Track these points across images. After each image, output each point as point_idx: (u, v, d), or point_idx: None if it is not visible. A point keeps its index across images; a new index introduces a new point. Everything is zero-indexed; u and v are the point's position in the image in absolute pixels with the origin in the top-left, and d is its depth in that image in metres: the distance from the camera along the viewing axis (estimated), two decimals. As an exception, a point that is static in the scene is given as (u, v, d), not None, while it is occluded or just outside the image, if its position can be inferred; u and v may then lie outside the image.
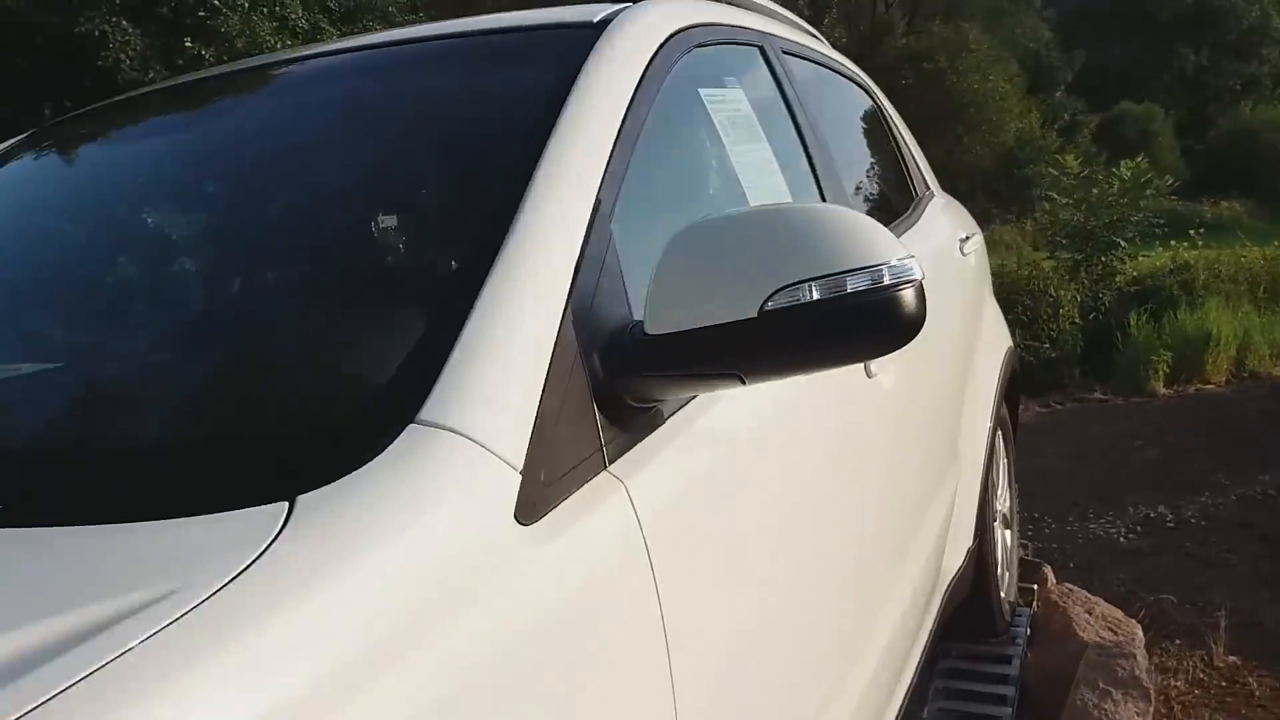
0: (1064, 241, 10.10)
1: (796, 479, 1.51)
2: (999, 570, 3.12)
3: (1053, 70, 29.11)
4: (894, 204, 2.59)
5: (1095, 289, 9.70)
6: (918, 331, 1.11)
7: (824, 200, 1.97)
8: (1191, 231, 10.49)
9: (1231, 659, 3.65)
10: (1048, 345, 9.38)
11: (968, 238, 2.81)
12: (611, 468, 1.07)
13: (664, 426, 1.18)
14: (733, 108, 1.73)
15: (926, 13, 24.13)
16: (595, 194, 1.22)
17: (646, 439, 1.14)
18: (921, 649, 2.27)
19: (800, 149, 1.99)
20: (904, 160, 2.81)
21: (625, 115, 1.35)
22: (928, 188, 2.94)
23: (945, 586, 2.57)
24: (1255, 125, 31.36)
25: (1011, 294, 10.22)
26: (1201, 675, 3.57)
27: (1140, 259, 10.24)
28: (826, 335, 1.08)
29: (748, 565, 1.30)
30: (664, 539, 1.08)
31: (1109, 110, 31.16)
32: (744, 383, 1.13)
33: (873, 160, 2.69)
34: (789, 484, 1.49)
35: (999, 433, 3.24)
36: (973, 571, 2.81)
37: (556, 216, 1.14)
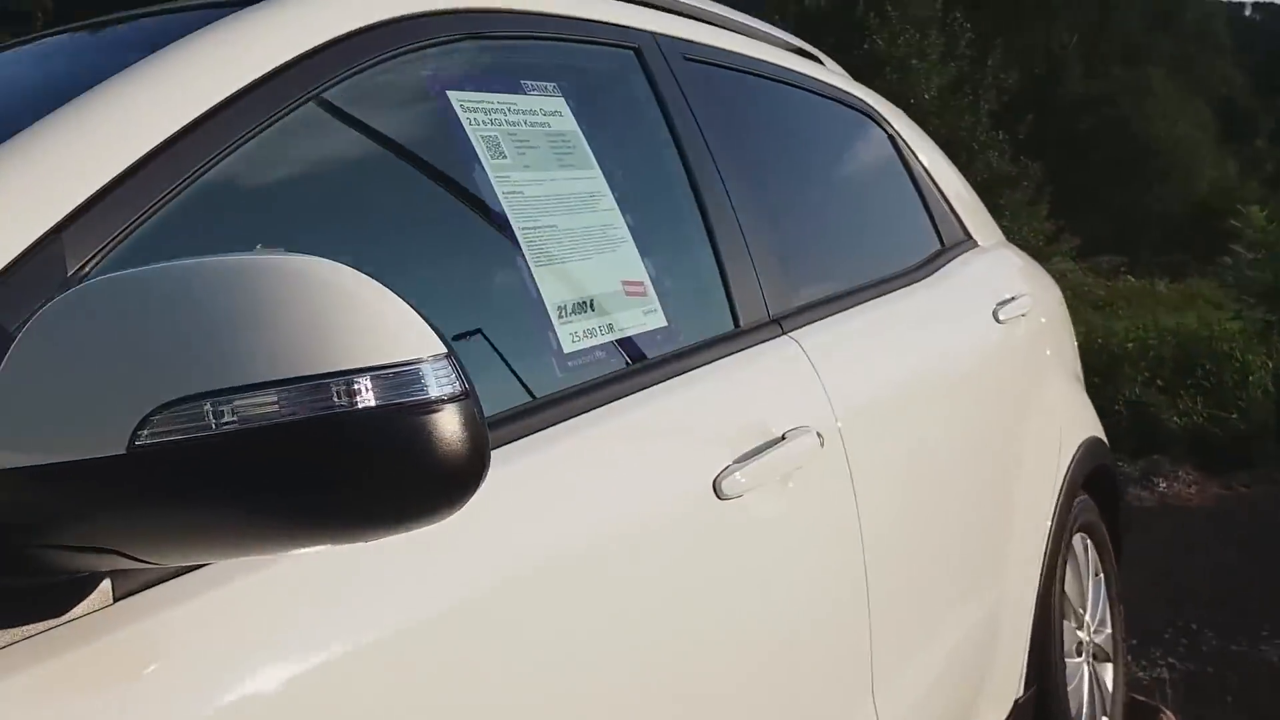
0: (1252, 301, 8.93)
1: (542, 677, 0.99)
2: (1082, 721, 2.40)
3: (1250, 117, 26.81)
4: (886, 256, 1.99)
5: (1290, 355, 8.50)
6: (470, 489, 0.58)
7: (717, 254, 1.44)
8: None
9: None
10: (1235, 416, 8.24)
11: (1011, 299, 2.16)
12: None
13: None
14: (528, 121, 1.23)
15: (1105, 56, 22.72)
16: (50, 226, 0.76)
17: None
18: None
19: (684, 183, 1.46)
20: (926, 202, 2.21)
21: (214, 111, 0.90)
22: (967, 236, 2.31)
23: None
24: None
25: (1191, 356, 9.13)
26: None
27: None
28: (255, 494, 0.56)
29: None
30: None
31: (1319, 158, 28.48)
32: (145, 562, 0.62)
33: (858, 202, 2.10)
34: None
35: (1085, 544, 2.53)
36: (1028, 725, 2.15)
37: None
